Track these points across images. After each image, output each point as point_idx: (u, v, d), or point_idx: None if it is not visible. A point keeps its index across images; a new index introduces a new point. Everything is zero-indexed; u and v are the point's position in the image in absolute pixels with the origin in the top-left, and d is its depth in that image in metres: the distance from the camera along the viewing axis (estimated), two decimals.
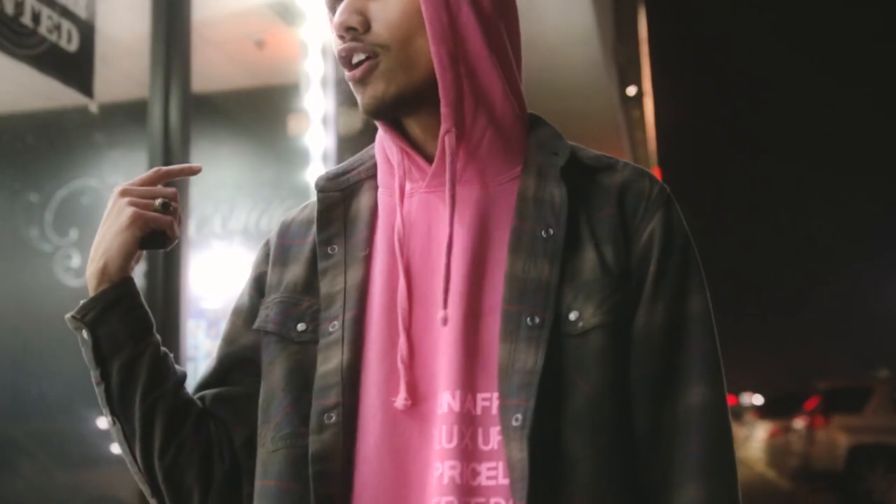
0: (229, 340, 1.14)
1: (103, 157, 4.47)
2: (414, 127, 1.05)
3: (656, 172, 13.61)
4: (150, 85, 2.84)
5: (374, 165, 1.11)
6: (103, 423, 3.59)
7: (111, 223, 1.05)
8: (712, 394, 0.99)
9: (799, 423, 12.97)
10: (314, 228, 1.08)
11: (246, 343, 1.11)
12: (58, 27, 2.22)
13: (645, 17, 8.93)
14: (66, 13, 2.26)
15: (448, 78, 0.99)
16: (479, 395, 0.96)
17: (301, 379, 1.02)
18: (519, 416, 0.92)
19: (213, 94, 5.04)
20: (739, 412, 29.12)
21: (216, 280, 4.84)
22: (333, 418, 0.98)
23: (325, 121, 4.03)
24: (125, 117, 3.22)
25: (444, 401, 0.96)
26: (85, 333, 1.05)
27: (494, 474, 0.94)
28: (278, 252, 1.12)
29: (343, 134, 4.37)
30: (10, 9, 2.06)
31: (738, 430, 21.56)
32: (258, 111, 4.83)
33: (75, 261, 5.05)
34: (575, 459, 0.94)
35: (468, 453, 0.94)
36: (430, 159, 1.04)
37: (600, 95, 5.56)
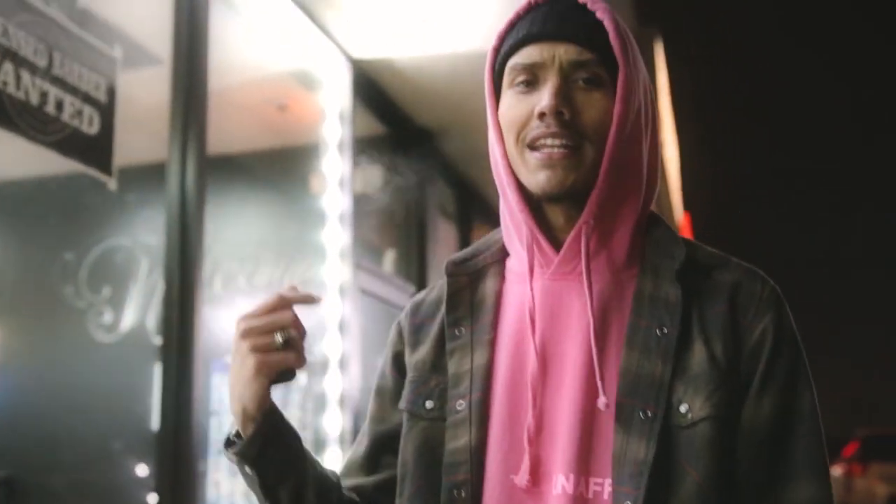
0: (378, 419, 1.21)
1: (134, 216, 4.64)
2: (558, 214, 1.10)
3: (685, 218, 13.61)
4: (168, 148, 3.00)
5: (500, 250, 1.18)
6: (141, 470, 3.62)
7: (238, 370, 1.06)
8: (818, 491, 1.03)
9: (836, 471, 12.74)
10: (442, 309, 1.16)
11: (395, 421, 1.18)
12: (80, 112, 2.40)
13: (665, 69, 9.05)
14: (87, 99, 2.44)
15: (609, 179, 1.06)
16: (592, 480, 1.03)
17: (430, 454, 1.09)
18: (629, 502, 0.99)
19: (239, 154, 5.23)
20: None
21: None
22: (463, 494, 1.06)
23: (341, 183, 4.18)
24: (155, 178, 3.39)
25: (559, 482, 1.03)
26: (248, 469, 1.09)
27: None
28: (410, 332, 1.19)
29: (359, 195, 4.53)
30: (34, 99, 2.24)
31: None
32: (282, 171, 4.99)
33: (107, 317, 5.22)
34: None
35: None
36: (557, 247, 1.09)
37: None
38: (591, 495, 1.03)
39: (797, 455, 1.05)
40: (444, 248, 5.80)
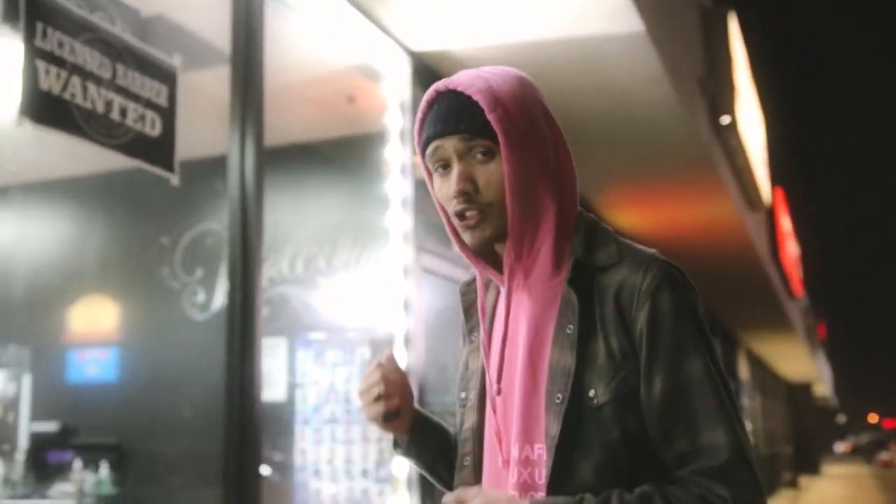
0: None
1: (223, 202, 4.98)
2: (499, 248, 1.41)
3: (778, 193, 13.30)
4: (228, 141, 3.28)
5: None
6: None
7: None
8: (720, 437, 1.25)
9: None
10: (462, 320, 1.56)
11: None
12: (142, 117, 2.71)
13: (744, 47, 8.91)
14: (149, 104, 2.74)
15: (516, 225, 1.35)
16: (536, 445, 1.35)
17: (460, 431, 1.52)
18: (549, 461, 1.30)
19: (315, 143, 5.54)
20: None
21: (321, 314, 5.30)
22: (467, 462, 1.45)
23: (403, 169, 4.42)
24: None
25: (514, 450, 1.37)
26: (412, 461, 1.62)
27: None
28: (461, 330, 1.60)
29: (418, 180, 4.76)
30: (100, 107, 2.55)
31: None
32: (354, 158, 5.26)
33: (200, 297, 5.63)
34: (590, 487, 1.28)
35: (527, 486, 1.35)
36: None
37: (681, 129, 5.71)
38: (535, 456, 1.34)
39: (698, 415, 1.27)
40: None
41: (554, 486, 1.28)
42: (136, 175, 3.66)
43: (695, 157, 6.30)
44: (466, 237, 1.37)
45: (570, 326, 1.32)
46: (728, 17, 7.65)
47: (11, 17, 2.39)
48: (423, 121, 1.40)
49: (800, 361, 23.86)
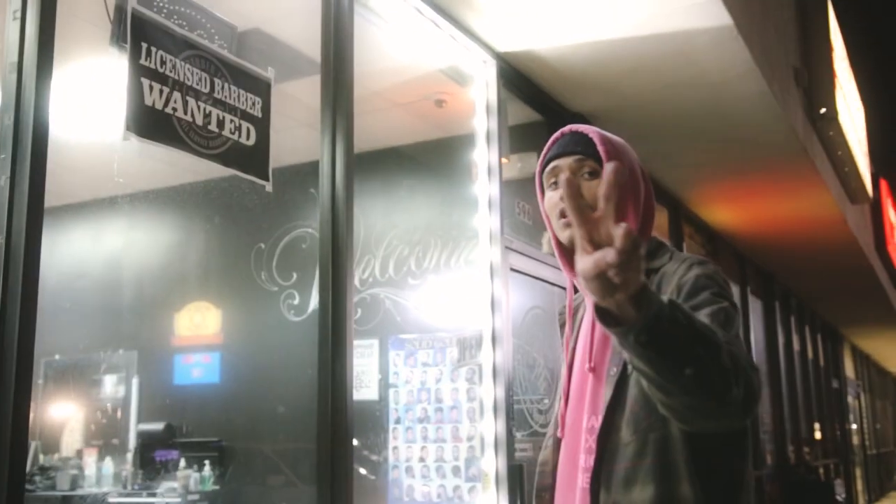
0: None
1: (315, 207, 5.10)
2: None
3: (882, 184, 12.83)
4: (319, 147, 3.38)
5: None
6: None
7: None
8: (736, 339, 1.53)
9: None
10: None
11: None
12: (238, 128, 2.82)
13: (842, 36, 8.63)
14: (245, 115, 2.86)
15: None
16: (593, 416, 1.66)
17: None
18: (595, 425, 1.63)
19: (404, 146, 5.64)
20: None
21: (412, 315, 5.38)
22: (551, 442, 1.77)
23: (490, 171, 4.47)
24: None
25: (584, 420, 1.68)
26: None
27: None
28: None
29: (515, 180, 4.80)
30: (199, 120, 2.67)
31: None
32: (443, 161, 5.33)
33: (296, 299, 5.79)
34: (626, 443, 1.58)
35: (590, 451, 1.63)
36: None
37: (776, 121, 5.59)
38: (590, 426, 1.65)
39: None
40: None
41: (601, 445, 1.59)
42: (234, 183, 3.80)
43: (790, 150, 6.15)
44: (566, 234, 1.67)
45: None
46: (826, 4, 7.44)
47: (118, 39, 2.53)
48: (547, 151, 1.76)
49: None
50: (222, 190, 5.00)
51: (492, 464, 4.22)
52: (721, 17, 4.18)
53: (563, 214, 1.67)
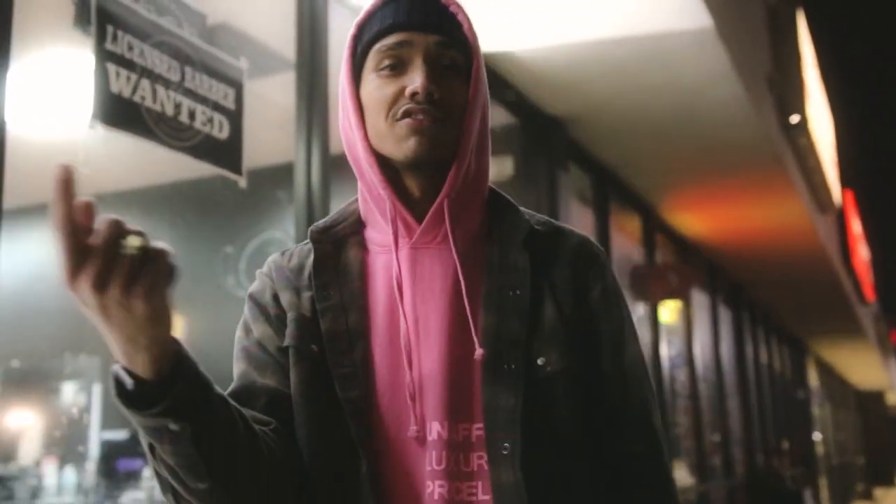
0: (261, 368, 1.25)
1: (285, 211, 4.99)
2: (415, 188, 1.22)
3: (847, 196, 12.95)
4: (294, 149, 3.28)
5: (356, 221, 1.29)
6: None
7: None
8: (649, 426, 1.25)
9: None
10: (306, 274, 1.25)
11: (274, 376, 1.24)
12: (210, 120, 2.71)
13: (812, 45, 8.69)
14: (217, 107, 2.74)
15: (467, 155, 1.20)
16: (461, 425, 1.16)
17: (317, 388, 1.18)
18: (507, 445, 1.12)
19: None
20: None
21: None
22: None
23: None
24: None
25: (434, 429, 1.15)
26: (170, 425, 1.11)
27: (475, 492, 1.15)
28: (284, 282, 1.26)
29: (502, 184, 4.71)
30: (170, 110, 2.55)
31: None
32: None
33: None
34: (562, 476, 1.16)
35: (453, 474, 1.15)
36: (416, 218, 1.21)
37: (750, 127, 5.57)
38: (460, 438, 1.15)
39: (632, 396, 1.24)
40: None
41: (513, 464, 1.12)
42: (202, 184, 3.65)
43: (764, 157, 6.15)
44: (410, 142, 1.16)
45: (517, 291, 1.20)
46: (796, 14, 7.48)
47: (82, 22, 2.40)
48: (372, 13, 1.22)
49: (871, 369, 23.21)
50: (189, 193, 4.87)
51: None
52: (701, 19, 4.14)
53: (414, 113, 1.15)
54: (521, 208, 1.31)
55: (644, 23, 4.19)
